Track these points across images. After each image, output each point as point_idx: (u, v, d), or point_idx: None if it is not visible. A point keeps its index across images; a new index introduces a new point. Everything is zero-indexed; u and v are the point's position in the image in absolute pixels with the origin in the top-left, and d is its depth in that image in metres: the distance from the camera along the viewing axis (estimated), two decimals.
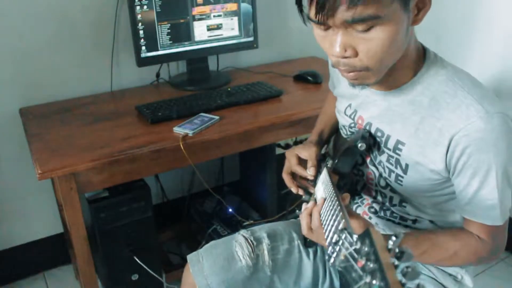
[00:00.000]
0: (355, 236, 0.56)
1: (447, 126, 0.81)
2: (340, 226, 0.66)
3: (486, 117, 0.78)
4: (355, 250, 0.54)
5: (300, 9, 0.80)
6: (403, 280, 0.48)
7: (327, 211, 0.81)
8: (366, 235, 0.53)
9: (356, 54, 0.79)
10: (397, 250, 0.50)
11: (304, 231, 0.88)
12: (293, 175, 1.09)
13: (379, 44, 0.76)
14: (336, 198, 0.80)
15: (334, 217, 0.74)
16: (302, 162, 1.07)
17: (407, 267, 0.49)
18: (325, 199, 0.85)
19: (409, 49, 0.84)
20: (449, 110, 0.82)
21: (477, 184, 0.82)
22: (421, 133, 0.85)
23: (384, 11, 0.73)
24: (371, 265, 0.50)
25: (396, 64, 0.83)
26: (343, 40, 0.77)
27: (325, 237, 0.73)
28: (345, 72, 0.83)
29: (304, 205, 0.91)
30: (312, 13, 0.76)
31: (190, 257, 1.10)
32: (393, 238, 0.51)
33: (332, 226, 0.73)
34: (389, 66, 0.83)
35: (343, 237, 0.58)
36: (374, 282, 0.48)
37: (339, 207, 0.75)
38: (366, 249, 0.52)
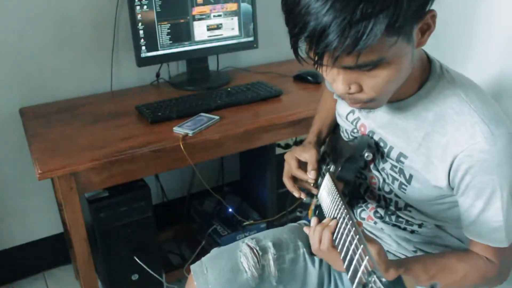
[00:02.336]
0: (385, 282, 0.52)
1: (451, 144, 0.80)
2: (365, 265, 0.60)
3: (492, 138, 0.76)
4: None
5: (296, 53, 0.73)
6: None
7: (341, 234, 0.75)
8: (398, 284, 0.50)
9: (360, 89, 0.76)
10: None
11: (314, 249, 0.82)
12: (294, 178, 1.06)
13: (385, 79, 0.73)
14: (351, 221, 0.73)
15: (353, 246, 0.67)
16: (302, 165, 1.04)
17: None
18: (337, 221, 0.79)
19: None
20: (454, 127, 0.80)
21: (481, 205, 0.81)
22: (424, 149, 0.84)
23: (388, 52, 0.69)
24: None
25: None
26: (347, 78, 0.75)
27: (344, 267, 0.67)
28: (351, 104, 0.81)
29: (313, 220, 0.85)
30: (311, 56, 0.71)
31: (194, 268, 1.07)
32: None
33: (353, 259, 0.65)
34: (394, 90, 0.80)
35: (372, 280, 0.54)
36: None
37: (357, 236, 0.67)
38: None
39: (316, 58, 0.69)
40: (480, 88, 0.84)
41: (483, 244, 0.84)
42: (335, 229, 0.78)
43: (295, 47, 0.72)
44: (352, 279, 0.62)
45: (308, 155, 1.03)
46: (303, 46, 0.71)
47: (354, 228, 0.70)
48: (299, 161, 1.05)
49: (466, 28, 1.92)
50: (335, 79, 0.76)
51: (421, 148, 0.84)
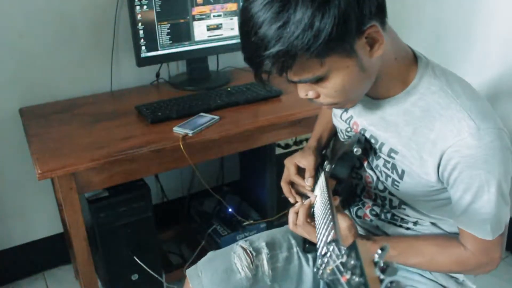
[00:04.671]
0: (342, 249, 0.55)
1: (439, 139, 0.81)
2: (329, 238, 0.67)
3: (477, 134, 0.78)
4: (341, 263, 0.53)
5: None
6: None
7: (321, 219, 0.81)
8: (352, 248, 0.53)
9: (318, 95, 0.83)
10: (382, 264, 0.49)
11: (290, 225, 0.94)
12: (292, 183, 1.09)
13: (334, 89, 0.79)
14: (329, 206, 0.80)
15: (326, 227, 0.75)
16: (301, 171, 1.07)
17: (391, 282, 0.48)
18: (313, 202, 0.90)
19: (387, 65, 0.83)
20: (441, 122, 0.81)
21: (470, 198, 0.82)
22: (414, 144, 0.85)
23: (319, 71, 0.75)
24: (356, 279, 0.49)
25: (380, 78, 0.84)
26: (302, 87, 0.82)
27: (317, 246, 0.74)
28: (320, 105, 0.87)
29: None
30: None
31: (189, 272, 1.09)
32: (379, 251, 0.50)
33: (324, 234, 0.73)
34: (362, 94, 0.85)
35: (331, 249, 0.58)
36: None
37: (331, 217, 0.75)
38: (352, 262, 0.51)
39: (255, 75, 0.79)
40: (467, 83, 0.86)
41: (470, 234, 0.86)
42: (310, 205, 0.91)
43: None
44: (319, 256, 0.68)
45: (307, 162, 1.06)
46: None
47: (330, 211, 0.77)
48: (298, 167, 1.08)
49: (466, 29, 1.92)
50: (297, 86, 0.84)
51: (411, 143, 0.86)
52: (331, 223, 0.72)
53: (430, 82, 0.84)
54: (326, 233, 0.71)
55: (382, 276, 0.49)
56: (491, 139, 0.78)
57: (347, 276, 0.50)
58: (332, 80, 0.77)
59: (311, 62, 0.73)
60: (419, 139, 0.84)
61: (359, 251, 0.52)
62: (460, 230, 0.89)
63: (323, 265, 0.58)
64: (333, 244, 0.58)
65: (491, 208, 0.82)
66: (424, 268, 0.97)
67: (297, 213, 0.93)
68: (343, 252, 0.54)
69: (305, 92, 0.83)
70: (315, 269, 0.65)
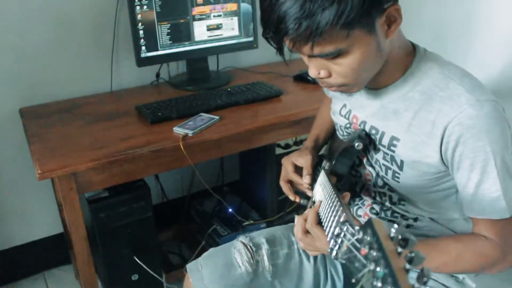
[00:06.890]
0: (356, 227, 0.55)
1: (439, 117, 0.82)
2: (342, 219, 0.67)
3: (477, 105, 0.79)
4: (357, 240, 0.54)
5: (268, 41, 0.81)
6: (408, 266, 0.47)
7: (327, 209, 0.81)
8: (368, 225, 0.53)
9: (329, 74, 0.83)
10: (400, 237, 0.49)
11: (298, 234, 0.87)
12: (291, 182, 1.10)
13: (349, 67, 0.80)
14: (335, 196, 0.80)
15: (334, 212, 0.75)
16: (298, 169, 1.08)
17: (411, 252, 0.48)
18: (321, 202, 0.87)
19: (392, 52, 0.85)
20: (441, 102, 0.82)
21: (477, 177, 0.81)
22: (415, 128, 0.86)
23: (343, 44, 0.76)
24: (375, 253, 0.49)
25: (385, 64, 0.85)
26: (315, 64, 0.82)
27: (326, 233, 0.74)
28: (326, 87, 0.88)
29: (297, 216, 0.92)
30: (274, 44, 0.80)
31: (189, 266, 1.10)
32: (395, 226, 0.51)
33: (333, 221, 0.73)
34: (370, 77, 0.85)
35: (344, 229, 0.58)
36: (378, 269, 0.47)
37: (339, 203, 0.75)
38: (368, 238, 0.51)
39: (277, 46, 0.79)
40: (460, 66, 0.88)
41: (486, 219, 0.84)
42: (319, 207, 0.86)
43: (265, 36, 0.81)
44: (331, 237, 0.68)
45: (304, 160, 1.07)
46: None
47: (337, 199, 0.78)
48: (295, 165, 1.09)
49: (466, 29, 1.92)
50: (308, 64, 0.84)
51: (412, 128, 0.86)
52: (340, 207, 0.73)
53: (427, 66, 0.87)
54: (336, 218, 0.71)
55: (400, 249, 0.49)
56: (490, 109, 0.79)
57: (365, 249, 0.51)
58: (350, 56, 0.78)
59: (338, 33, 0.74)
60: (419, 122, 0.85)
61: (375, 227, 0.52)
62: (474, 221, 0.86)
63: (337, 245, 0.58)
64: (346, 224, 0.58)
65: (501, 182, 0.80)
66: (449, 268, 0.90)
67: (305, 220, 0.86)
68: (357, 229, 0.55)
69: (317, 70, 0.82)
70: (328, 250, 0.64)
